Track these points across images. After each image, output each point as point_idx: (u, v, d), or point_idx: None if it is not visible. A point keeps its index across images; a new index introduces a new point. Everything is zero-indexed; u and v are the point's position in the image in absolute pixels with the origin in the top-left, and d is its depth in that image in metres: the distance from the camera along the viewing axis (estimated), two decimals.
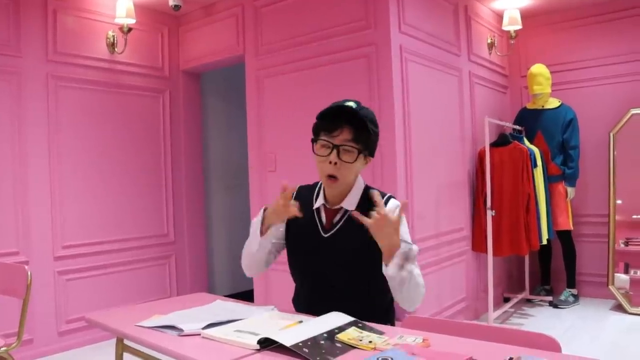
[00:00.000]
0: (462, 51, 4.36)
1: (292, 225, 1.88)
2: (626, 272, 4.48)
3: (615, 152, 4.61)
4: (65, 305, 3.98)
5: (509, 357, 1.11)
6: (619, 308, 4.41)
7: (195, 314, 1.68)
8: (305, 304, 1.86)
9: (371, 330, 1.43)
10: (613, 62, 4.74)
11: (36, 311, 3.77)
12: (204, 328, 1.49)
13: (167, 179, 4.73)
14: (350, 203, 1.78)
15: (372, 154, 1.78)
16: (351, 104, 1.71)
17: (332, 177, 1.72)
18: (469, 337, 1.33)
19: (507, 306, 4.43)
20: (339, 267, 1.76)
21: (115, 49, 4.33)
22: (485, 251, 4.18)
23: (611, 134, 4.63)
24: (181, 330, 1.49)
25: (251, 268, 1.95)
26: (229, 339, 1.39)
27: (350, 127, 1.67)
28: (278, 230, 1.90)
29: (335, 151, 1.68)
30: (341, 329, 1.41)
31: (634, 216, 4.58)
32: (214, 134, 5.36)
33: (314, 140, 1.75)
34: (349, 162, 1.69)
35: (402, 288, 1.63)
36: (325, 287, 1.80)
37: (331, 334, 1.36)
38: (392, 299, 1.87)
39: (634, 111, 4.55)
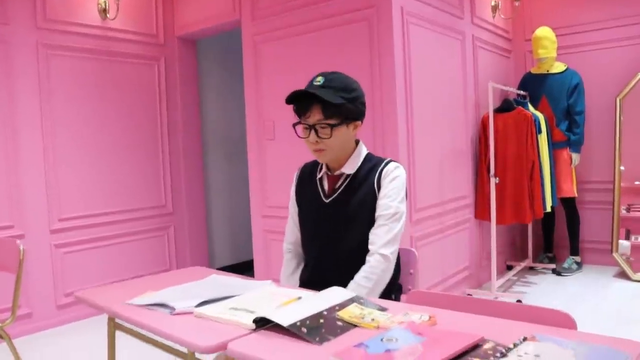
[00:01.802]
0: (466, 14, 4.21)
1: (299, 198, 1.97)
2: (627, 238, 4.43)
3: (621, 118, 4.50)
4: (63, 279, 3.93)
5: (522, 338, 1.03)
6: (623, 275, 4.37)
7: (189, 289, 1.61)
8: (314, 271, 1.89)
9: (373, 306, 1.36)
10: (621, 24, 4.59)
11: (34, 285, 3.74)
12: (197, 306, 1.42)
13: (164, 149, 4.64)
14: (350, 168, 1.83)
15: (356, 118, 1.81)
16: (318, 80, 1.74)
17: (318, 150, 1.79)
18: (478, 314, 1.26)
19: (510, 274, 4.38)
20: (340, 228, 1.81)
21: (107, 15, 4.19)
22: (488, 219, 4.11)
23: (618, 99, 4.51)
24: (173, 308, 1.42)
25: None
26: (223, 317, 1.32)
27: (319, 104, 1.72)
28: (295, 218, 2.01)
29: (313, 131, 1.75)
30: (342, 305, 1.34)
31: (637, 182, 4.49)
32: (211, 102, 5.23)
33: (295, 125, 1.83)
34: (326, 138, 1.75)
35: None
36: (331, 251, 1.84)
37: (331, 312, 1.29)
38: (398, 261, 1.88)
39: None
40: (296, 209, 1.98)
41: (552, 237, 4.85)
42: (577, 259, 4.64)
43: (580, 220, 4.65)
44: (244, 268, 5.27)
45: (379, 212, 1.76)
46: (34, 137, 3.78)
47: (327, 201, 1.85)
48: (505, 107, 4.26)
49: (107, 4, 4.17)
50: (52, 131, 3.89)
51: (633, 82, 4.45)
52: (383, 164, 1.81)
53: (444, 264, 3.84)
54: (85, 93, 4.09)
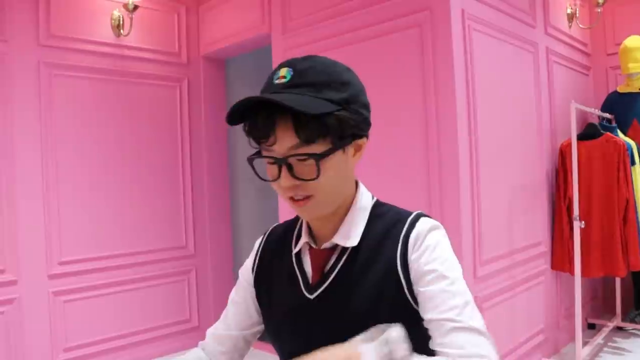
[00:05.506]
0: (538, 22, 3.51)
1: (261, 286, 1.15)
2: None
3: None
4: (63, 332, 3.39)
5: None
6: None
7: None
8: None
9: None
10: None
11: (27, 339, 3.22)
12: None
13: (186, 182, 4.08)
14: (347, 235, 1.03)
15: (357, 134, 1.00)
16: (282, 73, 0.96)
17: (298, 201, 0.98)
18: None
19: (596, 339, 3.54)
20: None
21: (122, 31, 3.71)
22: (568, 270, 3.36)
23: None
24: None
25: None
26: None
27: (289, 120, 0.93)
28: (243, 310, 1.18)
29: (284, 168, 0.95)
30: None
31: None
32: (241, 128, 4.63)
33: (253, 158, 1.01)
34: (311, 179, 0.95)
35: None
36: None
37: None
38: None
39: None
40: (249, 298, 1.17)
41: None
42: None
43: None
44: None
45: (432, 313, 0.93)
46: (32, 167, 3.30)
47: (311, 297, 1.05)
48: (589, 133, 3.50)
49: (122, 19, 3.69)
50: (54, 162, 3.39)
51: None
52: (407, 223, 1.01)
53: (514, 329, 3.08)
54: (94, 119, 3.60)
